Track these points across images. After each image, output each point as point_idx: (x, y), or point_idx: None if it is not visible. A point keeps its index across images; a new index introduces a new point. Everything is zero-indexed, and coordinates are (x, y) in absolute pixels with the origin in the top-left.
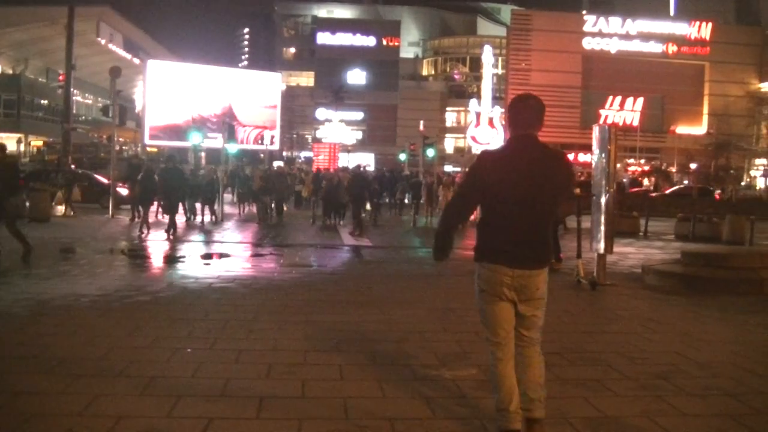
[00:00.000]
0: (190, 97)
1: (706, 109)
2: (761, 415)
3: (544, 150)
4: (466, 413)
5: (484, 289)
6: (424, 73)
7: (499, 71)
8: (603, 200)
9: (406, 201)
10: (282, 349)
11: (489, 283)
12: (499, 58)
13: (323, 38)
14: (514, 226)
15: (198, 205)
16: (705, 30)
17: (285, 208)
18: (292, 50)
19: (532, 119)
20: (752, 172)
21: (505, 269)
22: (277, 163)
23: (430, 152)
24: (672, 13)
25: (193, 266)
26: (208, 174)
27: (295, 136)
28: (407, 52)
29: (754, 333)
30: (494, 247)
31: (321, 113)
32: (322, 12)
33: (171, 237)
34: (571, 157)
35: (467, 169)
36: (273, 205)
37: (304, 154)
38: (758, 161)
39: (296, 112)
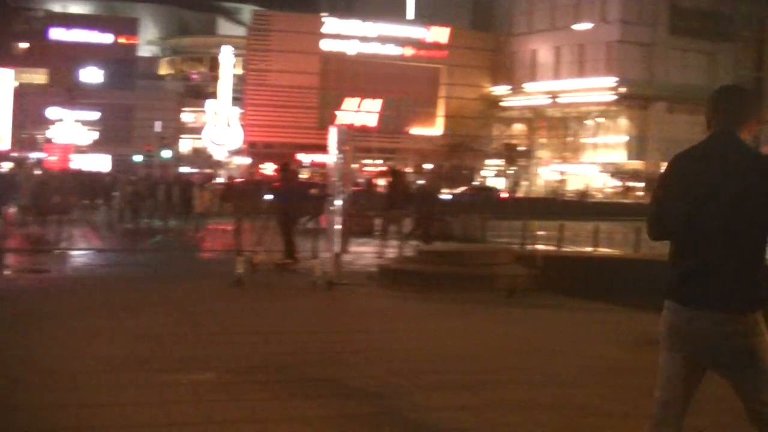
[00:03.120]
0: None
1: (441, 111)
2: (493, 408)
3: (747, 151)
4: (202, 418)
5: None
6: (163, 72)
7: (240, 71)
8: (339, 201)
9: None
10: None
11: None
12: (241, 59)
13: (57, 34)
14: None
15: None
16: (442, 34)
17: None
18: (24, 46)
19: (733, 112)
20: (483, 173)
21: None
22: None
23: (166, 153)
24: (411, 16)
25: None
26: None
27: (25, 136)
28: (145, 51)
29: (482, 326)
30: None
31: (53, 112)
32: (57, 7)
33: None
34: (308, 158)
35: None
36: None
37: (34, 155)
38: (489, 162)
39: (29, 111)
